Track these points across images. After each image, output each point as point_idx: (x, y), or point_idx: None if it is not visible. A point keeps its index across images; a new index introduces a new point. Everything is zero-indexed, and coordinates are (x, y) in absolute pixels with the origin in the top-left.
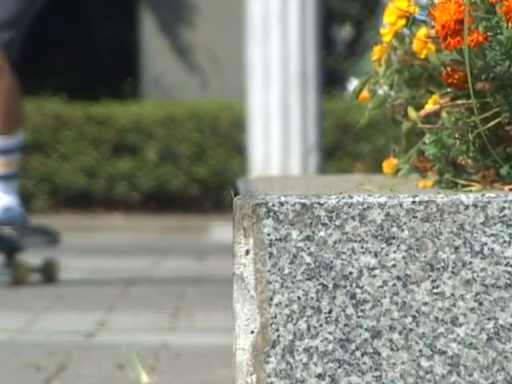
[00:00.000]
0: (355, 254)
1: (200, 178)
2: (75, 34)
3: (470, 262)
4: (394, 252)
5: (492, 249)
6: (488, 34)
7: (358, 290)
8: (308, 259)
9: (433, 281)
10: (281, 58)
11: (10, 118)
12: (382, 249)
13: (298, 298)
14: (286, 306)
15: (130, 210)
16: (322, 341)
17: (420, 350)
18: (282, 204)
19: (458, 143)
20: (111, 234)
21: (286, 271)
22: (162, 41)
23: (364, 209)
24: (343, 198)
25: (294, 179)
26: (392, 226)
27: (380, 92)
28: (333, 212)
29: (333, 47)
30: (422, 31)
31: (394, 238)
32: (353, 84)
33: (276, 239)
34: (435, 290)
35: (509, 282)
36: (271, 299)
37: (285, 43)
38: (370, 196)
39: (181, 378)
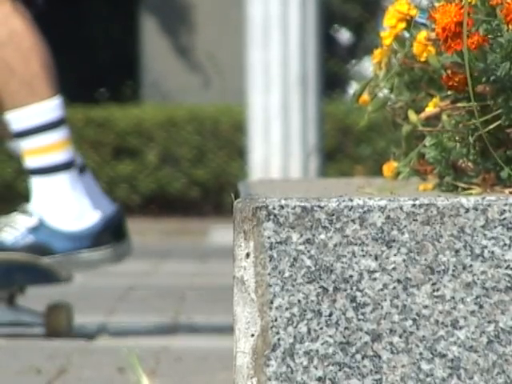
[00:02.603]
0: (355, 257)
1: (200, 181)
2: (75, 36)
3: (471, 265)
4: (395, 255)
5: (492, 252)
6: (488, 36)
7: (358, 293)
8: (308, 262)
9: (433, 284)
10: (281, 61)
11: (23, 82)
12: (383, 252)
13: (299, 301)
14: (287, 309)
15: (130, 212)
16: (322, 344)
17: (420, 353)
18: (282, 207)
19: (458, 146)
20: None
21: (287, 274)
22: (162, 44)
23: (364, 212)
24: (343, 201)
25: (294, 182)
26: (392, 229)
27: (380, 95)
28: (333, 215)
29: (333, 50)
30: (423, 34)
31: (394, 241)
32: (353, 87)
33: (276, 242)
34: (435, 293)
35: (509, 285)
36: (271, 302)
37: (285, 46)
38: (371, 199)
39: (181, 382)
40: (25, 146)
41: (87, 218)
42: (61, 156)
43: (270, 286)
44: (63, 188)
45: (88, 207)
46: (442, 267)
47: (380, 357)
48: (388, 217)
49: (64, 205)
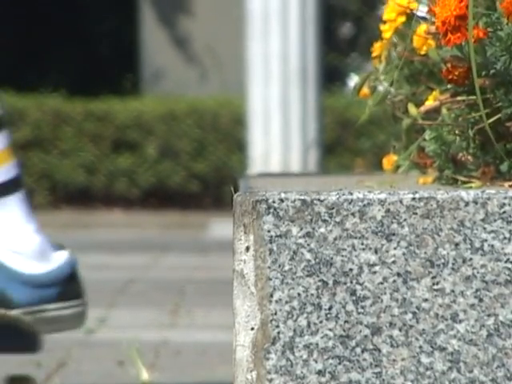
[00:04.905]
0: (355, 250)
1: (200, 174)
2: (74, 29)
3: (470, 259)
4: (394, 248)
5: (492, 245)
6: (488, 29)
7: (358, 287)
8: (308, 256)
9: (433, 277)
10: (281, 54)
11: None
12: (382, 245)
13: (298, 294)
14: (286, 302)
15: (130, 206)
16: (322, 337)
17: (420, 347)
18: (282, 200)
19: (458, 139)
20: (111, 231)
21: (286, 268)
22: (161, 37)
23: (364, 205)
24: (343, 194)
25: (294, 175)
26: (392, 223)
27: (380, 88)
28: (333, 208)
29: (333, 43)
30: (422, 27)
31: (394, 234)
32: (353, 80)
33: (276, 236)
34: (435, 287)
35: (509, 278)
36: (271, 296)
37: (285, 39)
38: (370, 192)
39: (181, 375)
40: None
41: (51, 257)
42: (6, 171)
43: (270, 279)
44: (14, 215)
45: (47, 244)
46: (442, 260)
47: (380, 350)
48: (388, 210)
49: (20, 237)
